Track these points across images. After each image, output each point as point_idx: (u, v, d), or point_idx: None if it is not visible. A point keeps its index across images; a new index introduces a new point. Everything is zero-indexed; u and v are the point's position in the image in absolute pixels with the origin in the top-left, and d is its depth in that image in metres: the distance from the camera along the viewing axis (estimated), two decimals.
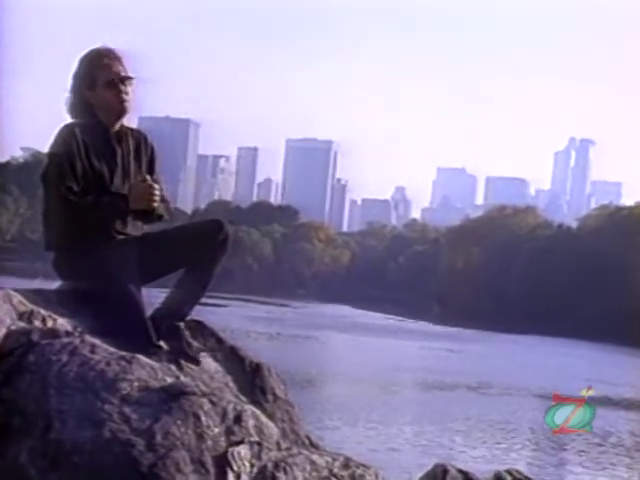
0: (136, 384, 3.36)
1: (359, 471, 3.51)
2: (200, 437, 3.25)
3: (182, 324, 3.96)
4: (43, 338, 3.52)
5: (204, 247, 3.96)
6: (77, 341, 3.52)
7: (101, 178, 3.91)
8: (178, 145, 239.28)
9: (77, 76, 3.91)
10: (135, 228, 4.01)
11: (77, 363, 3.39)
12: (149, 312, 3.91)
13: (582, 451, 17.94)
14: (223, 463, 3.23)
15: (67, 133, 3.87)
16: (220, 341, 4.06)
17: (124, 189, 3.93)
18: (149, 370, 3.47)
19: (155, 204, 3.90)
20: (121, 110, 3.93)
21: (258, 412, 3.55)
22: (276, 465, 3.31)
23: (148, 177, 3.92)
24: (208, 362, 3.91)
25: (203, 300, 4.07)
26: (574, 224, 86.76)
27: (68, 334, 3.61)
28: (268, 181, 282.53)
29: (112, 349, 3.53)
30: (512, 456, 16.55)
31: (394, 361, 32.44)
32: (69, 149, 3.84)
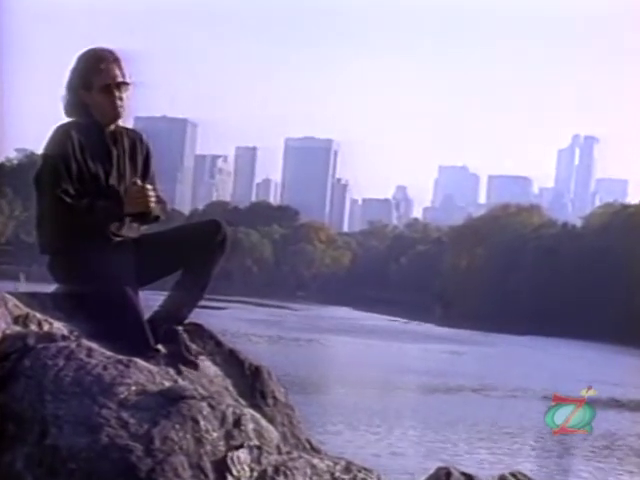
0: (134, 388, 3.32)
1: (361, 475, 3.46)
2: (199, 441, 3.21)
3: (180, 327, 3.93)
4: (39, 342, 3.49)
5: (202, 248, 3.93)
6: (73, 345, 3.48)
7: (96, 179, 3.88)
8: (175, 145, 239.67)
9: (74, 74, 3.88)
10: (131, 230, 3.98)
11: (73, 367, 3.35)
12: (147, 315, 3.87)
13: (588, 453, 17.90)
14: (222, 468, 3.19)
15: (62, 134, 3.83)
16: (219, 344, 4.02)
17: (120, 190, 3.89)
18: (147, 374, 3.43)
19: (151, 206, 3.86)
20: (115, 116, 3.90)
21: (258, 416, 3.51)
22: (276, 469, 3.27)
23: (139, 181, 3.88)
24: (207, 366, 3.87)
25: (202, 303, 4.03)
26: (579, 223, 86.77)
27: (64, 338, 3.57)
28: (267, 181, 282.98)
29: (109, 353, 3.49)
30: (517, 459, 16.51)
31: (397, 364, 32.41)
32: (64, 150, 3.80)
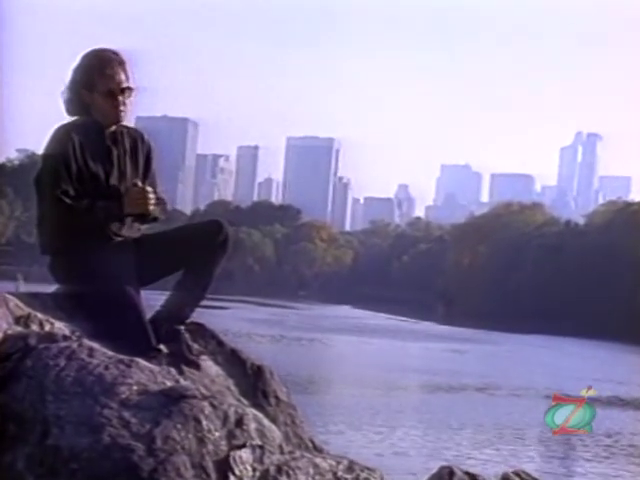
0: (135, 388, 3.31)
1: (364, 474, 3.45)
2: (201, 441, 3.21)
3: (182, 327, 3.92)
4: (40, 342, 3.48)
5: (203, 248, 3.92)
6: (75, 345, 3.47)
7: (96, 179, 3.87)
8: (176, 145, 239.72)
9: (77, 72, 3.86)
10: (132, 230, 3.97)
11: (75, 367, 3.34)
12: (149, 315, 3.86)
13: (593, 452, 17.86)
14: (224, 467, 3.18)
15: (62, 134, 3.82)
16: (221, 344, 4.02)
17: (120, 190, 3.88)
18: (148, 374, 3.42)
19: (150, 207, 3.85)
20: (116, 120, 3.89)
21: (260, 415, 3.50)
22: (279, 469, 3.26)
23: (139, 182, 3.87)
24: (209, 365, 3.86)
25: (204, 302, 4.03)
26: (582, 220, 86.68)
27: (66, 338, 3.56)
28: (269, 180, 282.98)
29: (110, 353, 3.48)
30: (521, 458, 16.48)
31: (399, 363, 32.39)
32: (64, 151, 3.79)
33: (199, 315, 4.04)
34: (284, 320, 53.23)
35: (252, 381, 3.89)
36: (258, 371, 3.93)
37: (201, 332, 4.01)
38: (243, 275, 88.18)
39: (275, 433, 3.44)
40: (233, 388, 3.82)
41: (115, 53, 3.87)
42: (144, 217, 3.93)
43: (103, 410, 3.20)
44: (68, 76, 3.88)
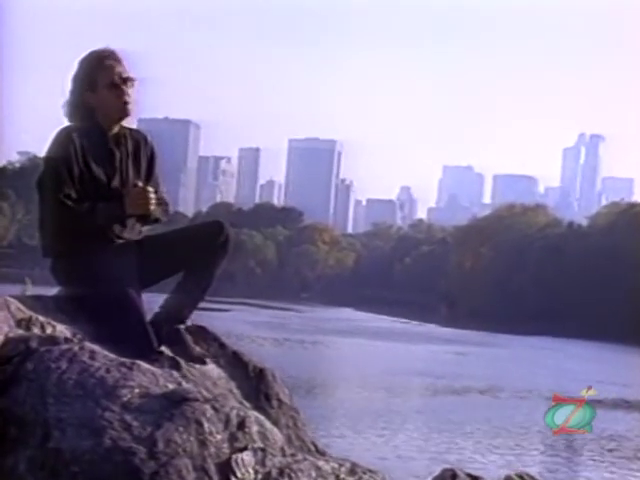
0: (137, 391, 3.30)
1: (366, 477, 3.45)
2: (203, 444, 3.20)
3: (182, 327, 3.91)
4: (42, 345, 3.47)
5: (204, 249, 3.91)
6: (76, 348, 3.46)
7: (98, 182, 3.87)
8: (178, 147, 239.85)
9: (77, 77, 3.87)
10: (134, 232, 3.97)
11: (76, 370, 3.34)
12: (149, 317, 3.85)
13: (597, 455, 17.80)
14: (226, 470, 3.17)
15: (64, 137, 3.82)
16: (223, 346, 4.01)
17: (122, 192, 3.88)
18: (150, 376, 3.41)
19: (152, 208, 3.85)
20: (123, 112, 3.88)
21: (262, 418, 3.49)
22: (281, 471, 3.25)
23: (140, 183, 3.87)
24: (211, 368, 3.86)
25: (206, 305, 4.02)
26: (585, 222, 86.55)
27: (67, 341, 3.56)
28: (271, 182, 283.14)
29: (112, 355, 3.48)
30: (525, 461, 16.43)
31: (402, 365, 32.35)
32: (66, 153, 3.79)
33: (201, 317, 4.04)
34: (286, 323, 53.21)
35: (254, 384, 3.88)
36: (260, 374, 3.92)
37: (203, 334, 4.01)
38: (245, 277, 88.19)
39: (277, 436, 3.43)
40: (235, 391, 3.81)
41: (111, 50, 3.89)
42: (146, 218, 3.93)
43: (104, 413, 3.20)
44: (68, 86, 3.88)
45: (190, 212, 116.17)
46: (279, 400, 3.88)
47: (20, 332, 3.60)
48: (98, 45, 3.94)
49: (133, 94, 3.88)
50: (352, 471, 3.43)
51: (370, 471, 3.48)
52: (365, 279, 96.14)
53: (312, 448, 3.79)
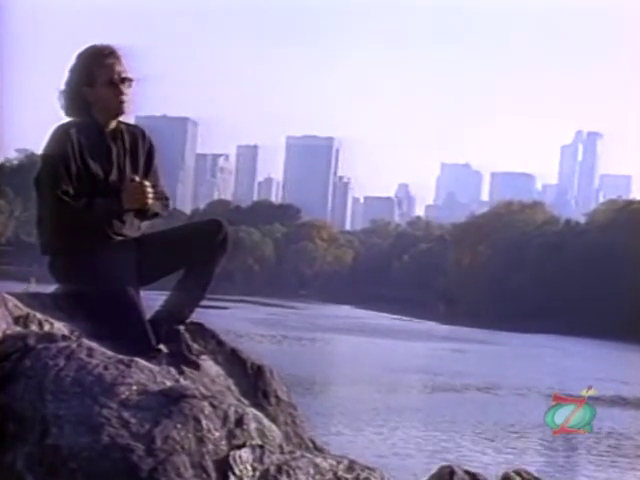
0: (135, 388, 3.30)
1: (364, 474, 3.44)
2: (201, 441, 3.20)
3: (182, 327, 3.91)
4: (39, 342, 3.47)
5: (203, 247, 3.91)
6: (74, 345, 3.46)
7: (96, 178, 3.86)
8: (176, 144, 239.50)
9: (76, 70, 3.86)
10: (133, 229, 3.96)
11: (74, 367, 3.34)
12: (148, 315, 3.85)
13: (596, 452, 17.81)
14: (224, 467, 3.17)
15: (61, 134, 3.82)
16: (221, 343, 4.01)
17: (120, 186, 3.88)
18: (148, 373, 3.41)
19: (149, 202, 3.85)
20: (119, 110, 3.88)
21: (260, 415, 3.49)
22: (279, 469, 3.25)
23: (137, 177, 3.87)
24: (209, 365, 3.86)
25: (204, 303, 4.02)
26: (582, 219, 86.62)
27: (65, 338, 3.56)
28: (269, 180, 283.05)
29: (110, 353, 3.48)
30: (524, 458, 16.44)
31: (400, 363, 32.36)
32: (64, 150, 3.78)
33: (199, 315, 4.04)
34: (284, 320, 53.22)
35: (252, 381, 3.88)
36: (258, 371, 3.92)
37: (201, 332, 4.01)
38: (243, 275, 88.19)
39: (275, 433, 3.43)
40: (233, 388, 3.81)
41: (111, 47, 3.89)
42: (144, 212, 3.92)
43: (102, 410, 3.19)
44: (65, 77, 3.87)
45: (188, 209, 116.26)
46: (277, 397, 3.88)
47: (18, 329, 3.60)
48: (98, 41, 3.94)
49: (130, 94, 3.88)
50: (350, 468, 3.43)
51: (368, 468, 3.48)
52: (363, 276, 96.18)
53: (310, 445, 3.79)
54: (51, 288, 3.98)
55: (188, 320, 3.97)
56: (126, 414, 3.20)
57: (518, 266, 76.02)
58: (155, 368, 3.49)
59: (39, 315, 3.72)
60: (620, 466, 17.00)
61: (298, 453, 3.41)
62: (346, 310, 75.43)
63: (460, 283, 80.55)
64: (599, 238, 71.23)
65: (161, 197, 3.96)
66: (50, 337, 3.54)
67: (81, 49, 3.89)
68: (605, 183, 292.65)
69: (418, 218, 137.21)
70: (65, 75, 3.89)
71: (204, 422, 3.24)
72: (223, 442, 3.23)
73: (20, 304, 3.74)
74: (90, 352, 3.43)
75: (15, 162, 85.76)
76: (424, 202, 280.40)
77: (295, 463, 3.29)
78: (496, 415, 21.93)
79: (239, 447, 3.23)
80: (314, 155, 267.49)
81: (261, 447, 3.28)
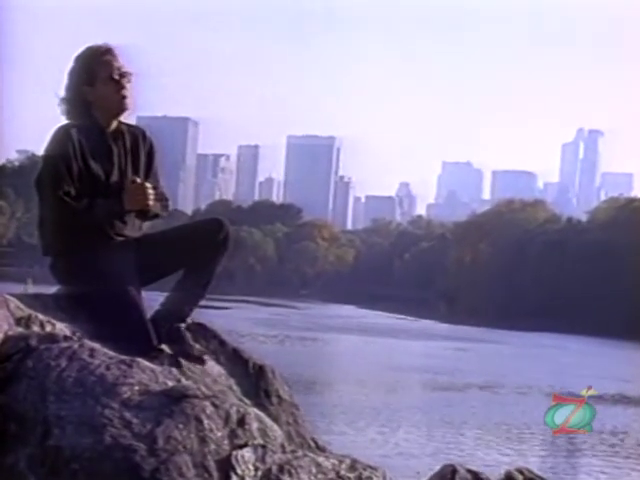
0: (137, 388, 3.30)
1: (366, 473, 3.45)
2: (203, 441, 3.20)
3: (183, 325, 3.91)
4: (41, 343, 3.47)
5: (204, 247, 3.91)
6: (76, 346, 3.46)
7: (97, 179, 3.87)
8: (177, 144, 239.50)
9: (74, 73, 3.86)
10: (134, 230, 3.96)
11: (76, 368, 3.34)
12: (150, 315, 3.85)
13: (598, 450, 17.79)
14: (227, 467, 3.17)
15: (62, 134, 3.82)
16: (222, 343, 4.01)
17: (121, 187, 3.89)
18: (150, 373, 3.41)
19: (150, 203, 3.85)
20: (121, 106, 3.89)
21: (262, 414, 3.49)
22: (281, 468, 3.25)
23: (138, 179, 3.87)
24: (211, 365, 3.86)
25: (205, 303, 4.02)
26: (584, 217, 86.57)
27: (67, 339, 3.56)
28: (270, 180, 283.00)
29: (112, 353, 3.48)
30: (526, 456, 16.43)
31: (402, 362, 32.36)
32: (65, 151, 3.79)
33: (201, 315, 4.04)
34: (286, 320, 53.22)
35: (254, 380, 3.88)
36: (260, 370, 3.92)
37: (202, 332, 4.01)
38: (244, 275, 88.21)
39: (277, 432, 3.43)
40: (235, 388, 3.81)
41: (107, 46, 3.90)
42: (145, 213, 3.93)
43: (104, 410, 3.20)
44: (65, 82, 3.88)
45: (189, 209, 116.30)
46: (279, 397, 3.88)
47: (20, 330, 3.60)
48: (96, 41, 3.95)
49: (131, 89, 3.89)
50: (352, 467, 3.43)
51: (370, 467, 3.48)
52: (364, 275, 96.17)
53: (312, 445, 3.79)
54: (52, 289, 3.98)
55: (188, 319, 3.97)
56: (128, 414, 3.20)
57: (519, 264, 75.99)
58: (157, 368, 3.49)
59: (41, 316, 3.72)
60: (622, 464, 16.99)
61: (300, 452, 3.42)
62: (348, 309, 75.42)
63: (461, 282, 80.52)
64: (601, 236, 71.17)
65: (161, 198, 3.97)
66: (52, 338, 3.54)
67: (78, 51, 3.91)
68: (606, 181, 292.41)
69: (419, 217, 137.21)
70: (64, 80, 3.89)
71: (206, 422, 3.24)
72: (225, 442, 3.23)
73: (22, 305, 3.74)
74: (92, 352, 3.43)
75: (16, 163, 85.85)
76: (425, 201, 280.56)
77: (297, 462, 3.29)
78: (497, 413, 21.92)
79: (241, 447, 3.24)
80: (315, 155, 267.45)
81: (263, 447, 3.28)
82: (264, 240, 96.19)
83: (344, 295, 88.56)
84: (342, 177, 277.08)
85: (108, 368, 3.35)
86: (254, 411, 3.45)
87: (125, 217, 3.90)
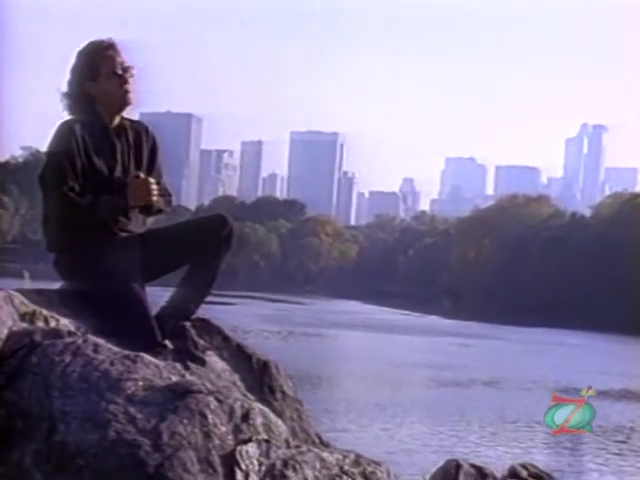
0: (141, 383, 3.31)
1: (370, 468, 3.45)
2: (207, 436, 3.20)
3: (188, 323, 3.92)
4: (46, 339, 3.48)
5: (208, 243, 3.92)
6: (80, 341, 3.47)
7: (100, 175, 3.87)
8: (180, 141, 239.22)
9: (77, 68, 3.86)
10: (137, 225, 3.97)
11: (80, 363, 3.34)
12: (154, 311, 3.86)
13: (603, 447, 17.77)
14: (231, 462, 3.17)
15: (66, 130, 3.82)
16: (226, 339, 4.01)
17: (125, 182, 3.89)
18: (154, 369, 3.42)
19: (154, 199, 3.86)
20: (124, 100, 3.89)
21: (266, 410, 3.49)
22: (285, 463, 3.25)
23: (141, 174, 3.87)
24: (215, 361, 3.86)
25: (210, 299, 4.02)
26: (588, 212, 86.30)
27: (71, 334, 3.57)
28: (273, 175, 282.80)
29: (116, 349, 3.48)
30: (530, 452, 16.42)
31: (406, 358, 32.34)
32: (68, 147, 3.79)
33: (205, 311, 4.04)
34: (290, 315, 53.23)
35: (258, 376, 3.88)
36: (264, 366, 3.92)
37: (207, 327, 4.01)
38: (248, 271, 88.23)
39: (281, 427, 3.44)
40: (239, 383, 3.82)
41: (109, 40, 3.90)
42: (148, 209, 3.93)
43: (109, 406, 3.20)
44: (67, 77, 3.88)
45: (193, 205, 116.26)
46: (283, 392, 3.88)
47: (24, 326, 3.61)
48: (98, 37, 3.95)
49: (134, 84, 3.89)
50: (356, 462, 3.43)
51: (374, 462, 3.48)
52: (368, 271, 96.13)
53: (316, 440, 3.80)
54: (55, 285, 3.99)
55: (194, 316, 3.98)
56: (132, 410, 3.20)
57: (523, 260, 75.85)
58: (161, 364, 3.50)
59: (45, 312, 3.72)
60: (627, 459, 16.97)
61: (304, 447, 3.42)
62: (352, 305, 75.41)
63: (465, 277, 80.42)
64: (605, 231, 70.99)
65: (165, 194, 3.97)
66: (56, 333, 3.55)
67: (81, 46, 3.90)
68: (610, 176, 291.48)
69: (423, 212, 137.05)
70: (66, 75, 3.89)
71: (210, 417, 3.24)
72: (229, 437, 3.23)
73: (26, 301, 3.75)
74: (96, 348, 3.43)
75: (20, 159, 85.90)
76: (429, 196, 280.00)
77: (301, 457, 3.30)
78: (501, 409, 21.91)
79: (245, 442, 3.24)
80: (318, 150, 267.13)
81: (267, 442, 3.28)
82: (268, 236, 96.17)
83: (348, 291, 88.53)
84: (346, 173, 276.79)
85: (112, 364, 3.36)
86: (258, 406, 3.46)
87: (129, 213, 3.90)
